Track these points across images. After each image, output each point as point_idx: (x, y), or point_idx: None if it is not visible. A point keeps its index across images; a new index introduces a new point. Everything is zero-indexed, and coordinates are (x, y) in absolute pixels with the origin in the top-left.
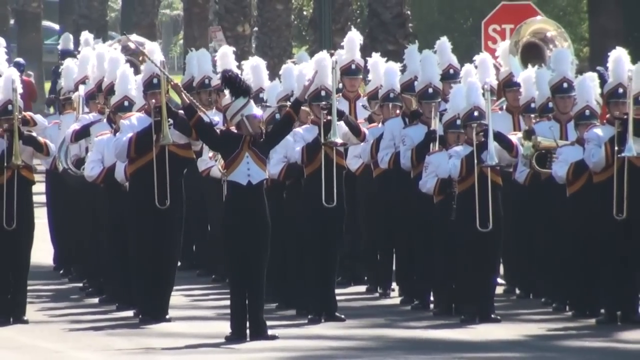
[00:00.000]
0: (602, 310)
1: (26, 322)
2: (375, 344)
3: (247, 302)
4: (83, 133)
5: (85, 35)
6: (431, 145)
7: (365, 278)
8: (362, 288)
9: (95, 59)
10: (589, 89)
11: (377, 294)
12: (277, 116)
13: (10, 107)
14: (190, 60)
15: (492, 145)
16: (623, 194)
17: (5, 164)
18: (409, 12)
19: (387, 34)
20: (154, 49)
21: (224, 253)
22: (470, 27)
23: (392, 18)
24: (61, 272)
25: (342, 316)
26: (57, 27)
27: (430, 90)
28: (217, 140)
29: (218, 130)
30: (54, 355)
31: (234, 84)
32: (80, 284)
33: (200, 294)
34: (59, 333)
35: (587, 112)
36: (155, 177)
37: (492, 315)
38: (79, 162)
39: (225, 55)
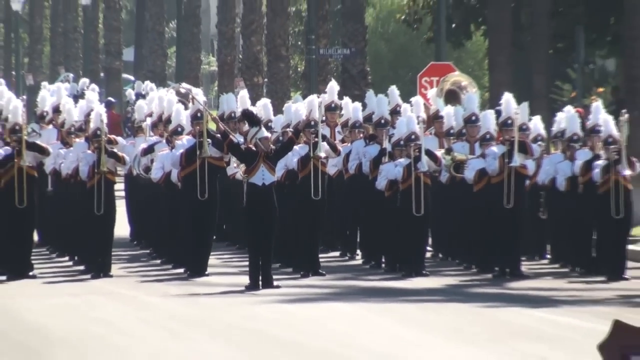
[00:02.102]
0: (496, 268)
1: (111, 276)
2: (345, 291)
3: (260, 263)
4: (149, 150)
5: (150, 84)
6: (383, 158)
7: (339, 247)
8: (337, 253)
9: (157, 99)
10: (489, 121)
11: (346, 258)
12: (280, 138)
13: (98, 132)
14: (221, 100)
15: (424, 158)
16: (510, 191)
17: (96, 171)
18: (368, 69)
19: (354, 83)
20: (198, 93)
21: (245, 230)
22: (410, 79)
23: (357, 73)
24: (135, 243)
25: (324, 272)
26: (132, 78)
27: (383, 121)
28: (242, 155)
29: (243, 148)
30: (131, 299)
31: (250, 117)
32: (148, 251)
33: (228, 257)
34: (134, 284)
35: (488, 136)
36: (199, 179)
37: (423, 272)
38: (147, 169)
39: (243, 97)
